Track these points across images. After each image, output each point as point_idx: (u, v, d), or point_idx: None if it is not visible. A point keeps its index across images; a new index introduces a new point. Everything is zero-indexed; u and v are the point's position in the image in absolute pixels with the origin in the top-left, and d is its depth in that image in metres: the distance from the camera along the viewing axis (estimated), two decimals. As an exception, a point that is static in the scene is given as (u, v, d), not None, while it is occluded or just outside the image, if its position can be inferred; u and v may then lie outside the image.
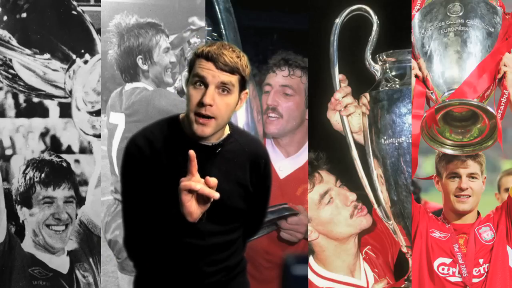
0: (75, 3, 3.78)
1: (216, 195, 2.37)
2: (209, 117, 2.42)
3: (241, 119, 3.44)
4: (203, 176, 2.42)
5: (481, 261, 3.32)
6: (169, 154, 2.48)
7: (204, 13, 3.61)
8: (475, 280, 3.31)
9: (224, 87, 2.43)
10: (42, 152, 3.78)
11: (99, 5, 3.79)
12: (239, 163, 2.55)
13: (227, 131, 2.56)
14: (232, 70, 2.43)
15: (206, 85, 2.42)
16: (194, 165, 2.36)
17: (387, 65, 3.32)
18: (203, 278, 2.54)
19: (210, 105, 2.41)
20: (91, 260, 3.77)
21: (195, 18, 3.82)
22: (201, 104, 2.41)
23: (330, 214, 3.41)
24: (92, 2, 3.82)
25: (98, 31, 3.78)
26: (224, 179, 2.49)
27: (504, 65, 3.17)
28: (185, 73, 3.76)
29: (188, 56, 3.74)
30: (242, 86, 2.49)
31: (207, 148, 2.50)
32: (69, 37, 3.77)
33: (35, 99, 3.79)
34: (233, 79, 2.44)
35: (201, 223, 2.45)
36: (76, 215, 3.75)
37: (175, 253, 2.51)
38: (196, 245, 2.51)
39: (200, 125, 2.43)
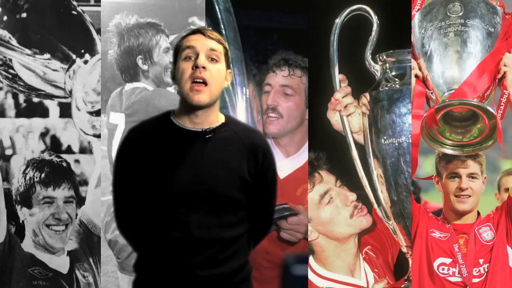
0: (75, 3, 3.78)
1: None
2: (203, 83, 2.46)
3: (241, 119, 3.44)
4: (192, 162, 2.46)
5: (481, 261, 3.32)
6: (159, 141, 2.51)
7: (204, 13, 3.61)
8: (475, 280, 3.31)
9: (213, 55, 2.50)
10: (42, 152, 3.78)
11: (99, 5, 3.79)
12: (234, 151, 2.51)
13: (221, 119, 2.54)
14: (218, 40, 2.53)
15: (197, 55, 2.49)
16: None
17: (387, 65, 3.32)
18: (197, 284, 2.49)
19: (204, 68, 2.46)
20: (91, 260, 3.78)
21: (195, 18, 3.82)
22: (195, 67, 2.47)
23: (330, 214, 3.41)
24: (92, 2, 3.82)
25: (98, 31, 3.79)
26: (216, 166, 2.48)
27: (504, 65, 3.17)
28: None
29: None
30: (227, 62, 2.55)
31: (197, 134, 2.49)
32: (69, 37, 3.77)
33: (35, 99, 3.79)
34: (220, 48, 2.52)
35: (185, 214, 2.45)
36: (76, 215, 3.76)
37: (162, 250, 2.48)
38: (182, 238, 2.46)
39: (195, 93, 2.46)
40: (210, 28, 2.69)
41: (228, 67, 2.55)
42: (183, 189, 2.46)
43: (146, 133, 2.54)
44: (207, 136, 2.50)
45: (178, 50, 2.54)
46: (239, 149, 2.52)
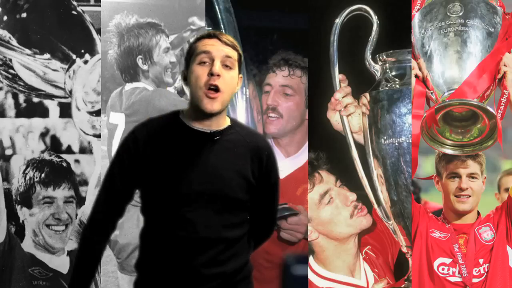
0: (75, 3, 3.78)
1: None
2: (217, 90, 2.46)
3: (241, 119, 3.44)
4: (200, 162, 2.47)
5: (481, 261, 3.32)
6: (166, 140, 2.51)
7: (204, 13, 3.61)
8: (475, 280, 3.31)
9: (227, 62, 2.49)
10: (42, 152, 3.78)
11: (99, 5, 3.79)
12: (239, 153, 2.52)
13: (227, 122, 2.55)
14: (234, 46, 2.52)
15: (212, 60, 2.48)
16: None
17: (387, 65, 3.32)
18: (200, 283, 2.50)
19: (218, 75, 2.46)
20: (91, 260, 3.77)
21: (195, 18, 3.82)
22: (210, 74, 2.46)
23: (330, 214, 3.42)
24: (92, 2, 3.82)
25: (98, 31, 3.78)
26: (222, 167, 2.49)
27: (504, 65, 3.17)
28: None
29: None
30: (239, 67, 2.55)
31: (205, 135, 2.50)
32: (69, 37, 3.77)
33: (35, 99, 3.79)
34: (235, 54, 2.51)
35: (191, 214, 2.46)
36: (76, 215, 3.75)
37: (167, 249, 2.49)
38: (188, 238, 2.46)
39: (209, 100, 2.46)
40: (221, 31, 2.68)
41: (240, 71, 2.56)
42: (189, 189, 2.47)
43: (154, 130, 2.54)
44: (215, 138, 2.51)
45: (192, 52, 2.52)
46: (244, 151, 2.54)
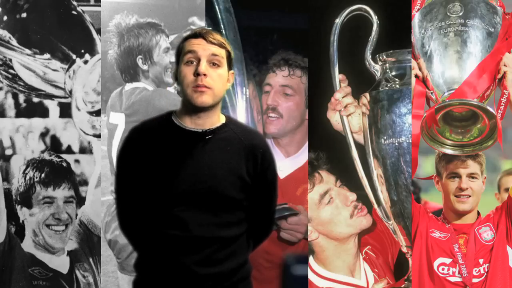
0: (75, 3, 3.78)
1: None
2: (205, 87, 2.48)
3: (241, 119, 3.44)
4: (192, 162, 2.48)
5: (481, 261, 3.32)
6: (159, 141, 2.52)
7: (204, 13, 3.61)
8: (475, 280, 3.31)
9: (214, 60, 2.51)
10: (42, 152, 3.78)
11: (99, 5, 3.79)
12: (233, 151, 2.53)
13: (221, 120, 2.56)
14: (221, 44, 2.54)
15: (198, 60, 2.50)
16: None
17: (387, 65, 3.32)
18: (196, 282, 2.51)
19: (205, 75, 2.48)
20: (91, 260, 3.78)
21: (195, 18, 3.82)
22: (196, 74, 2.48)
23: (330, 214, 3.41)
24: (92, 2, 3.82)
25: (98, 31, 3.79)
26: (216, 166, 2.50)
27: (504, 65, 3.17)
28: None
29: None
30: (229, 64, 2.56)
31: (197, 134, 2.51)
32: (69, 37, 3.77)
33: (35, 99, 3.79)
34: (222, 52, 2.53)
35: (184, 213, 2.46)
36: (76, 215, 3.76)
37: (162, 248, 2.49)
38: (182, 237, 2.48)
39: (199, 95, 2.48)
40: (211, 29, 2.69)
41: (230, 68, 2.56)
42: (182, 188, 2.48)
43: (147, 132, 2.55)
44: (207, 137, 2.51)
45: (180, 51, 2.55)
46: (239, 149, 2.54)
